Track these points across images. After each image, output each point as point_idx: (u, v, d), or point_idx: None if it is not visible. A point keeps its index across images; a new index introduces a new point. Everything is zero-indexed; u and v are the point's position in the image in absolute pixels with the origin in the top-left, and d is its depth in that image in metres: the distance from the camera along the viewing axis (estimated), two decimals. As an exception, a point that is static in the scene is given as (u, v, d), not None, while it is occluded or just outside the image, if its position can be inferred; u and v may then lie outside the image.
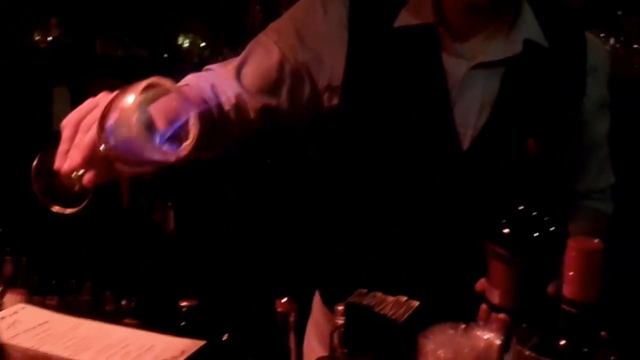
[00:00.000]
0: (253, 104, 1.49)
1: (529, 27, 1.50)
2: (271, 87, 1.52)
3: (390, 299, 1.33)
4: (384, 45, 1.48)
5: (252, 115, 1.50)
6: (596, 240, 0.99)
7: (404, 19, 1.48)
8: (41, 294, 1.80)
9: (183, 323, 1.39)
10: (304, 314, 1.39)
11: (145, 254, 2.51)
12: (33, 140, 4.88)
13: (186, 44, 5.18)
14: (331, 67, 1.50)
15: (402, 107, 1.48)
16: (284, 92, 1.52)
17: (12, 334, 1.16)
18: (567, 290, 0.98)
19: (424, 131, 1.46)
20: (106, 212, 4.71)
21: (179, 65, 5.09)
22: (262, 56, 1.51)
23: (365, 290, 1.36)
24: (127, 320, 1.41)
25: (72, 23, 5.40)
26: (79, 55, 5.31)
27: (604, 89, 1.59)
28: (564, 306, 0.99)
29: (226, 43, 4.63)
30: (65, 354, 1.06)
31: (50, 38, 5.34)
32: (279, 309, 1.30)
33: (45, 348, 1.09)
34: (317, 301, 1.68)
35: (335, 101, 1.53)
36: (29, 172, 4.94)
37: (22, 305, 1.32)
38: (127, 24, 5.35)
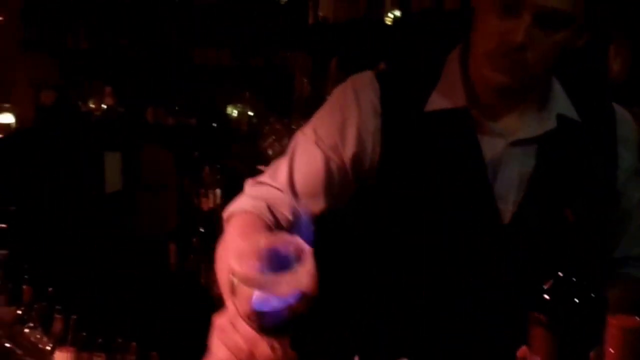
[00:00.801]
0: (308, 211, 1.48)
1: (561, 102, 1.53)
2: (323, 189, 1.55)
3: None
4: (417, 129, 1.52)
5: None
6: (638, 318, 0.99)
7: (436, 102, 1.51)
8: (89, 350, 1.85)
9: None
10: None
11: (192, 317, 2.56)
12: (85, 202, 5.03)
13: (235, 113, 5.29)
14: (370, 155, 1.54)
15: (440, 189, 1.51)
16: (336, 190, 1.56)
17: None
18: None
19: (464, 210, 1.49)
20: (154, 275, 4.81)
21: (227, 134, 5.21)
22: (307, 161, 1.55)
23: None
24: None
25: (125, 91, 5.58)
26: (130, 122, 5.47)
27: (635, 157, 1.61)
28: None
29: (273, 112, 4.72)
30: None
31: (104, 105, 5.52)
32: None
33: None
34: None
35: (372, 182, 1.56)
36: (79, 234, 5.03)
37: None
38: (178, 93, 5.50)
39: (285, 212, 1.48)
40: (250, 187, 1.55)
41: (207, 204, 5.06)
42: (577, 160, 1.54)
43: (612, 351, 1.00)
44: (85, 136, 5.26)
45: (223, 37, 5.33)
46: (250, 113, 5.16)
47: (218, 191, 4.94)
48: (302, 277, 1.01)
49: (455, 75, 1.53)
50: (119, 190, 5.43)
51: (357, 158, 1.53)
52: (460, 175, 1.50)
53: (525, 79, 1.44)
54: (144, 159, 5.52)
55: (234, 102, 5.31)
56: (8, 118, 4.69)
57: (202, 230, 4.90)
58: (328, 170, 1.53)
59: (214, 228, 5.00)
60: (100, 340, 1.84)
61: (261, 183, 1.56)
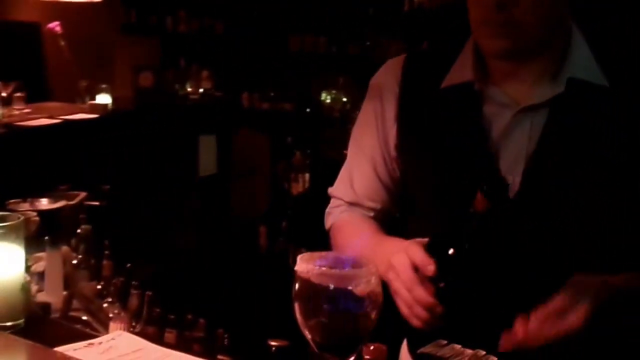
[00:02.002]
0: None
1: (578, 66, 1.45)
2: (381, 189, 1.66)
3: (468, 352, 1.32)
4: (432, 107, 1.55)
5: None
6: None
7: (449, 79, 1.52)
8: (161, 326, 1.86)
9: None
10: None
11: (279, 298, 2.55)
12: (179, 184, 5.11)
13: (328, 99, 5.29)
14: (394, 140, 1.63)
15: (448, 164, 1.52)
16: (390, 185, 1.65)
17: (105, 358, 1.24)
18: None
19: (471, 183, 1.43)
20: (244, 256, 4.86)
21: (321, 120, 5.22)
22: (360, 175, 1.67)
23: (445, 342, 1.35)
24: (219, 357, 1.44)
25: (222, 76, 5.63)
26: (226, 106, 5.53)
27: None
28: None
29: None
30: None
31: (201, 89, 5.59)
32: (367, 356, 1.29)
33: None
34: (404, 350, 1.65)
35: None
36: (170, 214, 5.10)
37: (120, 332, 1.40)
38: (274, 79, 5.53)
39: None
40: (333, 203, 1.72)
41: (297, 188, 5.08)
42: (595, 126, 1.44)
43: None
44: (182, 119, 5.34)
45: (319, 24, 5.34)
46: (344, 99, 5.17)
47: (307, 176, 4.95)
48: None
49: (468, 51, 1.53)
50: (213, 173, 5.49)
51: (388, 150, 1.62)
52: (465, 150, 1.50)
53: (521, 40, 1.41)
54: (238, 143, 5.57)
55: (328, 89, 5.32)
56: (105, 99, 4.79)
57: (290, 214, 4.95)
58: (376, 175, 1.64)
59: (303, 212, 5.04)
60: (172, 316, 1.85)
61: (337, 199, 1.71)
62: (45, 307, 1.70)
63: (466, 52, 1.53)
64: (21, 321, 1.38)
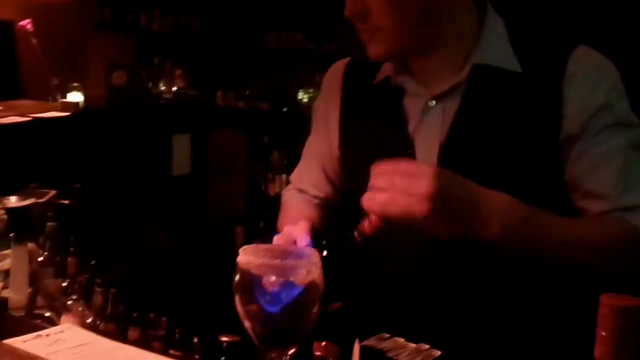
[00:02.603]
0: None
1: (488, 53, 1.47)
2: (325, 181, 1.76)
3: (412, 346, 1.31)
4: (366, 103, 1.61)
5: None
6: (633, 298, 0.87)
7: (378, 75, 1.57)
8: (124, 324, 1.83)
9: (222, 358, 1.44)
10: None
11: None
12: (152, 183, 5.07)
13: (306, 98, 5.26)
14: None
15: (371, 154, 1.52)
16: (334, 178, 1.74)
17: (52, 350, 1.24)
18: (598, 352, 0.87)
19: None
20: (220, 256, 4.82)
21: (298, 119, 5.20)
22: (309, 169, 1.77)
23: (388, 335, 1.34)
24: (171, 352, 1.44)
25: (196, 74, 5.60)
26: (201, 105, 5.49)
27: (598, 99, 1.42)
28: None
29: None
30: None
31: (174, 88, 5.55)
32: (317, 352, 1.27)
33: (78, 366, 1.15)
34: (356, 347, 1.64)
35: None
36: (142, 213, 5.02)
37: (69, 325, 1.39)
38: (250, 77, 5.50)
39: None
40: (289, 186, 1.84)
41: (274, 189, 5.05)
42: (506, 112, 1.45)
43: (604, 334, 0.88)
44: (155, 118, 5.30)
45: (296, 20, 5.31)
46: (321, 98, 5.14)
47: (284, 176, 4.92)
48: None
49: None
50: (187, 172, 5.45)
51: (334, 147, 1.67)
52: (388, 142, 1.55)
53: (393, 43, 1.43)
54: (213, 142, 5.53)
55: (305, 87, 5.29)
56: (77, 97, 4.74)
57: (268, 214, 4.91)
58: (323, 170, 1.74)
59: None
60: (135, 314, 1.83)
61: (292, 182, 1.83)
62: (2, 302, 1.67)
63: None
64: None
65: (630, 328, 0.87)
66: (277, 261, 1.01)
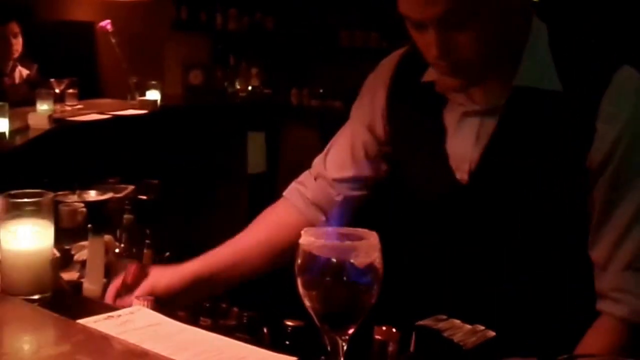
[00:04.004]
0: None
1: (530, 74, 1.45)
2: (350, 158, 1.72)
3: (467, 327, 1.31)
4: (412, 99, 1.60)
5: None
6: None
7: (427, 75, 1.56)
8: (196, 315, 1.86)
9: (287, 342, 1.47)
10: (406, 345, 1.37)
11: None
12: (229, 181, 5.12)
13: (379, 97, 5.25)
14: (382, 129, 1.67)
15: (412, 153, 1.61)
16: (360, 159, 1.70)
17: (122, 330, 1.26)
18: None
19: (426, 171, 1.58)
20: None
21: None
22: (340, 139, 1.74)
23: (445, 316, 1.35)
24: (237, 334, 1.46)
25: (271, 73, 5.64)
26: (275, 103, 5.53)
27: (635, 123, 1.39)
28: None
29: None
30: (163, 352, 1.13)
31: (249, 87, 5.61)
32: (378, 336, 1.27)
33: (147, 345, 1.17)
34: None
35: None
36: (220, 211, 5.05)
37: (139, 307, 1.43)
38: (324, 76, 5.51)
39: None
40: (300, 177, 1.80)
41: (347, 186, 5.04)
42: (543, 132, 1.44)
43: None
44: (230, 116, 5.36)
45: (370, 19, 5.30)
46: (394, 96, 5.13)
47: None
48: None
49: None
50: (262, 171, 5.49)
51: (373, 130, 1.67)
52: (427, 144, 1.57)
53: (471, 76, 1.44)
54: (287, 140, 5.56)
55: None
56: (155, 95, 4.83)
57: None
58: (352, 143, 1.69)
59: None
60: (207, 305, 1.86)
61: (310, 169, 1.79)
62: (77, 284, 1.72)
63: None
64: (48, 294, 1.40)
65: None
66: (337, 242, 1.02)
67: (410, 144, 1.61)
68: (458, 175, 1.51)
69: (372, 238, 1.03)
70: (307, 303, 1.02)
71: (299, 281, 1.02)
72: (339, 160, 1.71)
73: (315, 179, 1.74)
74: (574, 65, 1.45)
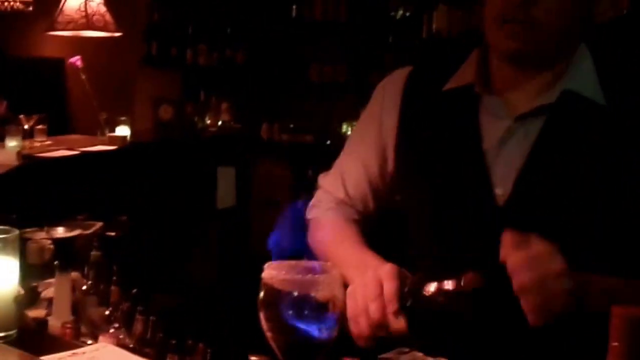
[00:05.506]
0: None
1: (577, 81, 1.45)
2: (370, 193, 1.68)
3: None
4: (432, 110, 1.55)
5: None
6: None
7: (451, 82, 1.52)
8: (163, 351, 1.85)
9: None
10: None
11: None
12: (198, 216, 5.10)
13: (349, 131, 5.27)
14: (392, 147, 1.62)
15: (442, 169, 1.53)
16: (381, 190, 1.67)
17: None
18: None
19: (461, 191, 1.50)
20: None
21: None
22: (354, 175, 1.67)
23: (408, 349, 1.34)
24: None
25: (242, 108, 5.65)
26: (245, 138, 5.54)
27: None
28: None
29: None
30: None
31: (220, 122, 5.61)
32: None
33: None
34: None
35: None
36: (190, 246, 5.00)
37: (104, 344, 1.41)
38: (294, 110, 5.53)
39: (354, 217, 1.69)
40: (321, 195, 1.73)
41: (318, 221, 5.04)
42: (587, 142, 1.42)
43: (616, 344, 0.88)
44: (200, 151, 5.35)
45: (339, 53, 5.34)
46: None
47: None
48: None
49: (474, 57, 1.54)
50: (232, 205, 5.48)
51: (384, 155, 1.63)
52: (459, 156, 1.51)
53: (536, 42, 1.40)
54: (258, 175, 5.56)
55: (349, 119, 5.30)
56: (124, 131, 4.82)
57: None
58: (368, 178, 1.65)
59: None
60: (174, 341, 1.84)
61: (327, 192, 1.72)
62: (43, 322, 1.70)
63: (471, 58, 1.54)
64: (13, 332, 1.39)
65: None
66: (299, 276, 1.03)
67: (431, 150, 1.54)
68: (498, 191, 1.45)
69: (333, 272, 1.04)
70: (270, 337, 1.02)
71: (261, 315, 1.02)
72: (361, 195, 1.66)
73: (340, 201, 1.69)
74: (617, 82, 1.46)
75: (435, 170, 1.53)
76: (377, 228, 1.73)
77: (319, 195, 1.74)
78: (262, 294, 1.02)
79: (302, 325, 1.00)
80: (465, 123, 1.50)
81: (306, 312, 1.00)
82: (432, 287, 1.27)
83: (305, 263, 1.08)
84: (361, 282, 1.36)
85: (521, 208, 1.43)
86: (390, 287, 1.32)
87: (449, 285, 1.25)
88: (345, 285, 1.29)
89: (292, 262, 1.09)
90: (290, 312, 1.00)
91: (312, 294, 1.00)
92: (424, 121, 1.55)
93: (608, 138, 1.41)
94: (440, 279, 1.26)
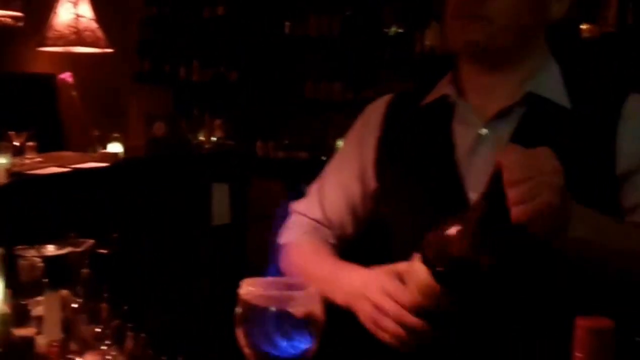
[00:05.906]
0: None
1: (543, 85, 1.49)
2: (350, 217, 1.71)
3: None
4: (410, 124, 1.59)
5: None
6: (608, 320, 0.89)
7: (429, 97, 1.57)
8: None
9: None
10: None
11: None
12: (192, 233, 5.06)
13: (344, 147, 5.25)
14: (371, 167, 1.65)
15: (418, 180, 1.57)
16: (360, 213, 1.70)
17: None
18: None
19: (436, 200, 1.52)
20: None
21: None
22: (333, 199, 1.70)
23: None
24: None
25: (236, 125, 5.63)
26: (239, 155, 5.51)
27: None
28: None
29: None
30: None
31: (213, 138, 5.59)
32: None
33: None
34: None
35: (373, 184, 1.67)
36: (184, 263, 5.00)
37: None
38: (288, 127, 5.52)
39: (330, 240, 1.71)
40: (295, 218, 1.75)
41: (313, 237, 5.02)
42: (558, 142, 1.39)
43: (579, 356, 0.88)
44: (194, 168, 5.32)
45: (333, 70, 5.33)
46: (360, 146, 5.13)
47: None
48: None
49: (450, 73, 1.59)
50: (226, 222, 5.45)
51: (364, 179, 1.66)
52: (433, 165, 1.55)
53: (490, 36, 1.43)
54: (252, 192, 5.54)
55: (344, 136, 5.28)
56: (116, 148, 4.78)
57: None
58: (348, 203, 1.68)
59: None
60: (164, 358, 1.82)
61: (301, 215, 1.74)
62: (29, 340, 1.65)
63: (448, 75, 1.58)
64: None
65: (605, 349, 0.87)
66: (276, 292, 1.03)
67: (409, 164, 1.58)
68: (472, 195, 1.46)
69: (311, 288, 1.05)
70: (247, 353, 1.02)
71: (239, 331, 1.02)
72: (341, 218, 1.69)
73: (317, 222, 1.71)
74: (582, 87, 1.50)
75: (412, 181, 1.57)
76: (358, 244, 1.74)
77: (292, 218, 1.76)
78: (239, 309, 1.03)
79: (279, 341, 1.00)
80: (439, 132, 1.54)
81: (284, 328, 1.00)
82: (452, 229, 1.23)
83: (282, 279, 1.08)
84: (362, 284, 1.39)
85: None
86: (392, 286, 1.34)
87: (461, 217, 1.22)
88: (327, 302, 1.27)
89: (270, 279, 1.10)
90: (268, 328, 1.00)
91: (290, 310, 1.01)
92: (403, 136, 1.59)
93: (575, 141, 1.44)
94: (446, 223, 1.24)
